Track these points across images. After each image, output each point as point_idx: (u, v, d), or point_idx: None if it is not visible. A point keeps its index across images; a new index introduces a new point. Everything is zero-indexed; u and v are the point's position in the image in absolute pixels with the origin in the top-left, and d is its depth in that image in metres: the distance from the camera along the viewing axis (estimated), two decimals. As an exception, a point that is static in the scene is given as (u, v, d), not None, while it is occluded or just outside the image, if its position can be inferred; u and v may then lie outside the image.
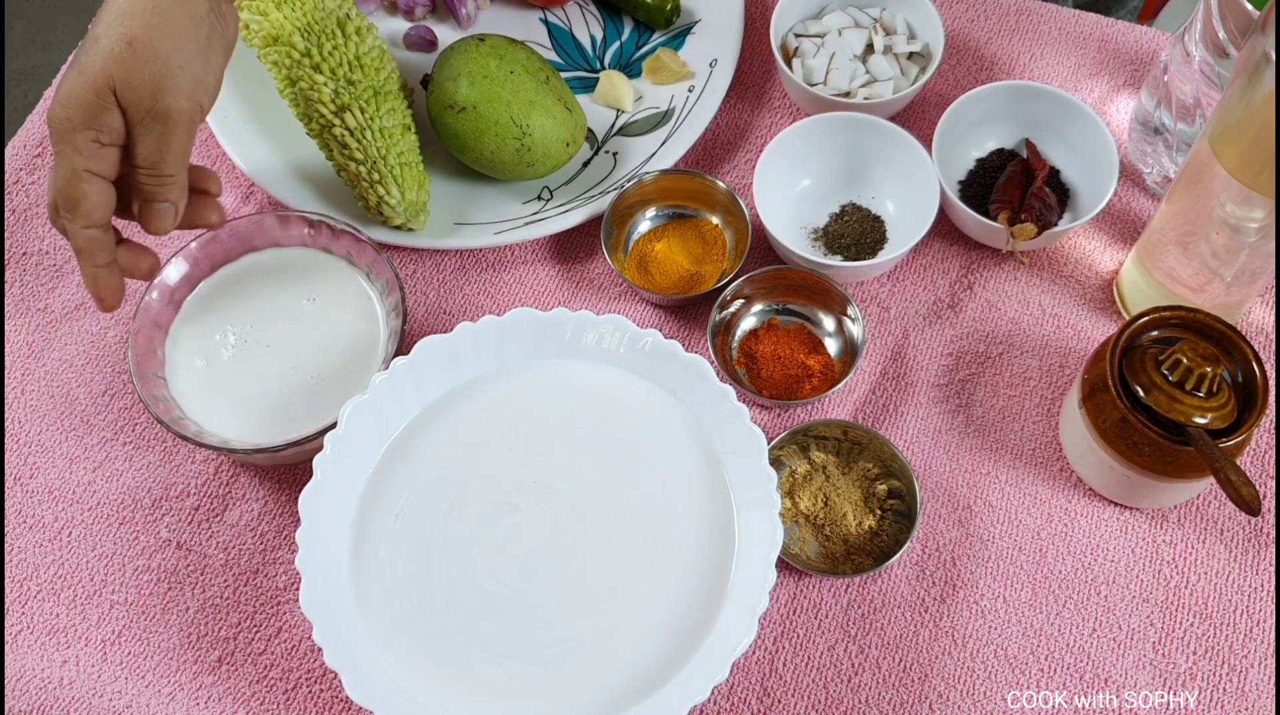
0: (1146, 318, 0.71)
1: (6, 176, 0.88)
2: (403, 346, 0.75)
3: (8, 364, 0.81)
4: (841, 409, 0.79)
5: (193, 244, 0.78)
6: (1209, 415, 0.67)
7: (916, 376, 0.79)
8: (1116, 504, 0.75)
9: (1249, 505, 0.63)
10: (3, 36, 2.14)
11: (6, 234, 0.86)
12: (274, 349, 0.77)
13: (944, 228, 0.84)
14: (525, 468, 0.72)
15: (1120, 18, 0.92)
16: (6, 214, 0.87)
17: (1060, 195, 0.83)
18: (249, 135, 0.86)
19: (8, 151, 0.90)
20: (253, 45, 0.85)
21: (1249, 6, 0.72)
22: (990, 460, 0.77)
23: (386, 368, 0.72)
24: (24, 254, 0.86)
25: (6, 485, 0.78)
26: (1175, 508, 0.75)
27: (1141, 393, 0.69)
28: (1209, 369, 0.67)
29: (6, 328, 0.83)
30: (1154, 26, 0.95)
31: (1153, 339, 0.71)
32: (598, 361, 0.74)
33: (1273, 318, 0.80)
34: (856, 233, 0.83)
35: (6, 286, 0.84)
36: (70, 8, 2.24)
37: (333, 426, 0.70)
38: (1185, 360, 0.68)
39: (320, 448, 0.70)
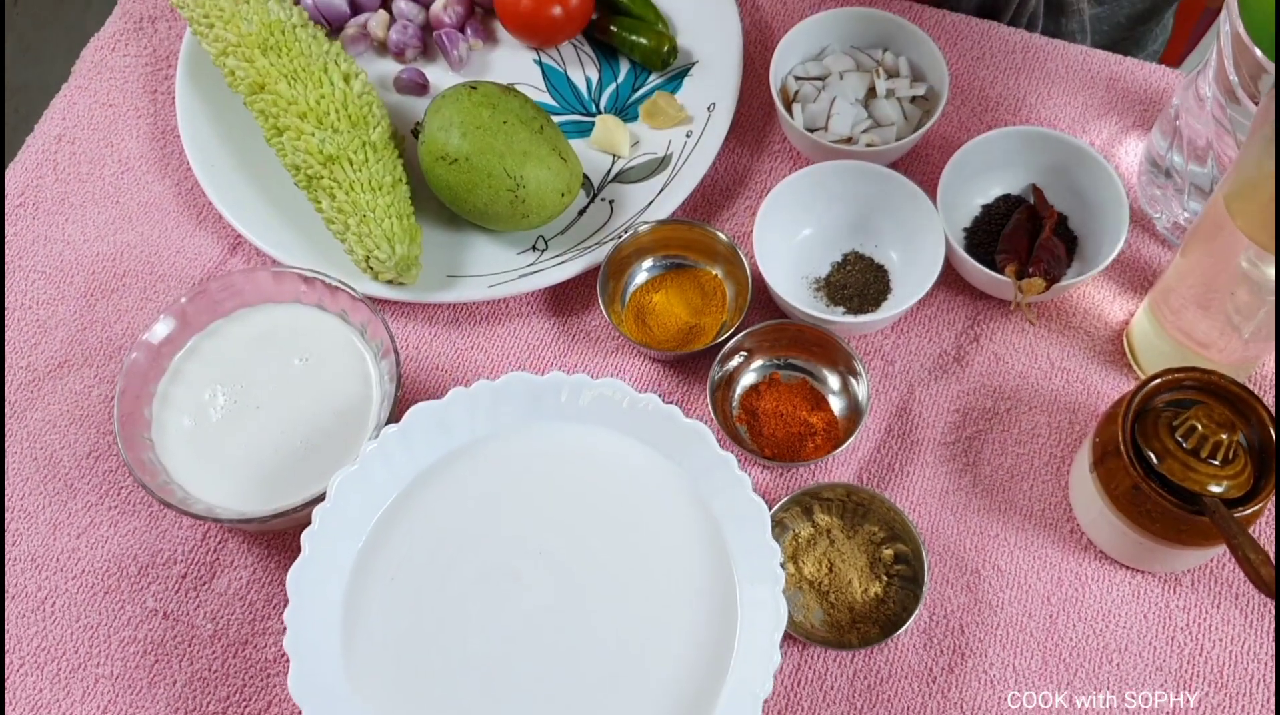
0: (1159, 380, 0.69)
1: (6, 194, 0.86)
2: (395, 413, 0.73)
3: (-10, 424, 0.79)
4: (846, 467, 0.77)
5: (182, 299, 0.76)
6: (1224, 483, 0.65)
7: (922, 434, 0.77)
8: (1128, 567, 0.73)
9: (1268, 587, 0.61)
10: (2, 49, 2.11)
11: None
12: (264, 410, 0.75)
13: (949, 277, 0.82)
14: (524, 533, 0.70)
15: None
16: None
17: (1068, 244, 0.81)
18: (236, 185, 0.84)
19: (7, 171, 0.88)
20: (239, 92, 0.83)
21: (1258, 53, 0.70)
22: (999, 522, 0.75)
23: (378, 434, 0.70)
24: (7, 309, 0.83)
25: (-11, 552, 0.76)
26: (1189, 571, 0.73)
27: (1155, 459, 0.66)
28: (1225, 436, 0.65)
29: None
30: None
31: (1166, 401, 0.69)
32: (596, 424, 0.72)
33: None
34: (860, 283, 0.81)
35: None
36: (62, 21, 2.21)
37: (323, 496, 0.68)
38: (1200, 427, 0.66)
39: (309, 518, 0.68)
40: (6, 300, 0.84)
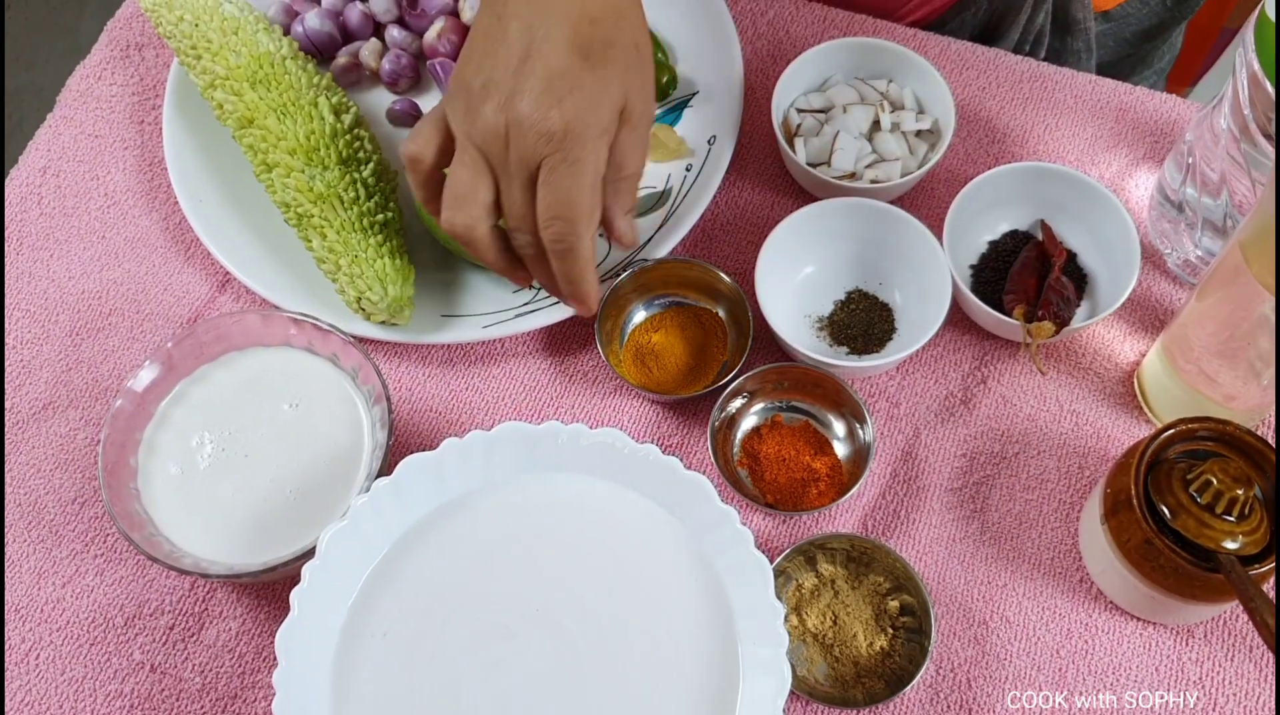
0: (1173, 431, 0.67)
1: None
2: (388, 461, 0.71)
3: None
4: (850, 514, 0.75)
5: (169, 344, 0.74)
6: (1240, 539, 0.64)
7: (928, 479, 0.75)
8: (1139, 619, 0.71)
9: (1286, 652, 0.60)
10: (2, 57, 2.09)
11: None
12: (253, 459, 0.73)
13: (955, 315, 0.79)
14: (519, 590, 0.68)
15: (1144, 79, 0.88)
16: None
17: (1077, 282, 0.79)
18: (225, 220, 0.82)
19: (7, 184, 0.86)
20: (227, 126, 0.81)
21: (1270, 89, 0.68)
22: (1006, 571, 0.73)
23: (369, 485, 0.68)
24: (-10, 348, 0.82)
25: (-29, 603, 0.74)
26: (1201, 622, 0.71)
27: (1168, 514, 0.65)
28: (1240, 491, 0.63)
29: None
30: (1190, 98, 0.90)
31: (1180, 451, 0.68)
32: (593, 474, 0.70)
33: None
34: (864, 322, 0.79)
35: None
36: (54, 27, 2.19)
37: (313, 549, 0.66)
38: (1216, 481, 0.64)
39: (299, 571, 0.66)
40: (-10, 339, 0.82)
